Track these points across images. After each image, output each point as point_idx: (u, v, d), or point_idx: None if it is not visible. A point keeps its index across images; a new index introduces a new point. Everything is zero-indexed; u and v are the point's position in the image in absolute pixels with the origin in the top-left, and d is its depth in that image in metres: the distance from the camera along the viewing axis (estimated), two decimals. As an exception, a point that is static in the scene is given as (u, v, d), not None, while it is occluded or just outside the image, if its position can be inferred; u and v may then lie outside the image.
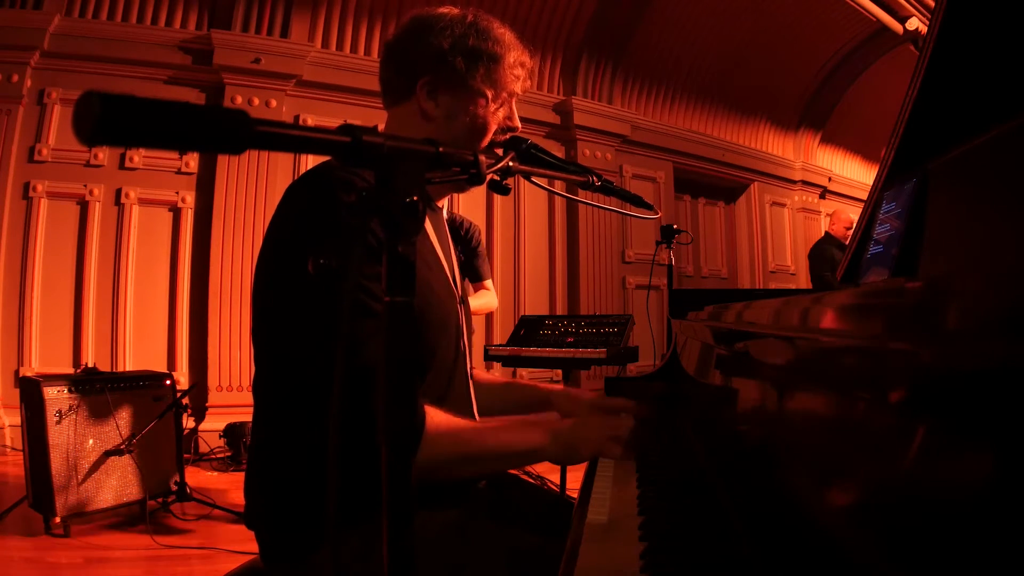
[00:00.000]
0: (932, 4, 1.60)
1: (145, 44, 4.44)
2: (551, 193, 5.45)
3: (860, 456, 0.47)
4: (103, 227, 4.34)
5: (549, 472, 3.25)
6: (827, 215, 6.16)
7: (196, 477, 3.53)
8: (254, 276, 1.03)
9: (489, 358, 3.25)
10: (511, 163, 0.83)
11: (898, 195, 0.94)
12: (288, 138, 0.50)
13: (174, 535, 2.64)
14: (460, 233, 3.13)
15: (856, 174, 9.14)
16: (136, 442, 2.72)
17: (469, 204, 5.23)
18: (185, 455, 3.21)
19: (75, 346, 4.24)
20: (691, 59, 6.64)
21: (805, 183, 8.24)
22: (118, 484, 2.71)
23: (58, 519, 2.54)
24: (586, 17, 5.77)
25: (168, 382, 2.99)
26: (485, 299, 3.18)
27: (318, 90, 4.91)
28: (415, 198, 0.53)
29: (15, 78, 4.15)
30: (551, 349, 2.97)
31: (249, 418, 1.12)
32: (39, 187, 4.22)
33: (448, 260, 1.19)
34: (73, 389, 2.66)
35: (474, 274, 3.17)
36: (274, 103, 4.72)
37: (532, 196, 5.73)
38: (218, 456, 4.07)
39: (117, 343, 4.32)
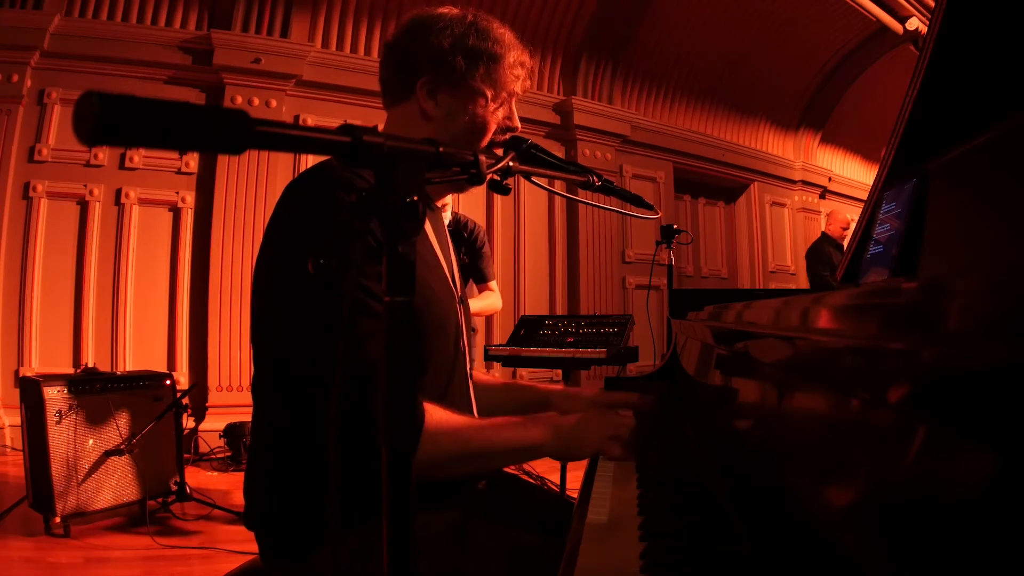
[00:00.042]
0: (932, 4, 1.60)
1: (145, 44, 4.44)
2: (551, 193, 5.45)
3: (860, 456, 0.47)
4: (103, 227, 4.34)
5: (549, 472, 3.25)
6: (826, 215, 6.20)
7: (196, 477, 3.53)
8: (253, 276, 1.03)
9: (489, 358, 3.24)
10: (511, 163, 0.83)
11: (898, 195, 0.94)
12: (288, 138, 0.50)
13: (174, 535, 2.64)
14: (464, 234, 3.12)
15: (856, 174, 9.14)
16: (136, 442, 2.72)
17: (469, 204, 5.23)
18: (185, 455, 3.21)
19: (75, 346, 4.24)
20: (691, 59, 6.64)
21: (805, 183, 8.25)
22: (118, 484, 2.71)
23: (58, 519, 2.54)
24: (586, 17, 5.77)
25: (168, 382, 2.99)
26: (489, 300, 3.17)
27: (318, 90, 4.91)
28: (415, 198, 0.53)
29: (15, 78, 4.15)
30: (551, 349, 2.97)
31: (249, 418, 1.12)
32: (39, 187, 4.22)
33: (447, 260, 1.20)
34: (73, 389, 2.66)
35: (478, 275, 3.17)
36: (274, 103, 4.72)
37: (532, 196, 5.73)
38: (218, 456, 4.07)
39: (117, 343, 4.32)
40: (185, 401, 2.98)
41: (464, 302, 1.24)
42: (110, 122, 0.39)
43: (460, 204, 4.99)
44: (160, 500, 2.83)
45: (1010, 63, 0.81)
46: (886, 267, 0.90)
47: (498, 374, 4.85)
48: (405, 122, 1.12)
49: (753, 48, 6.79)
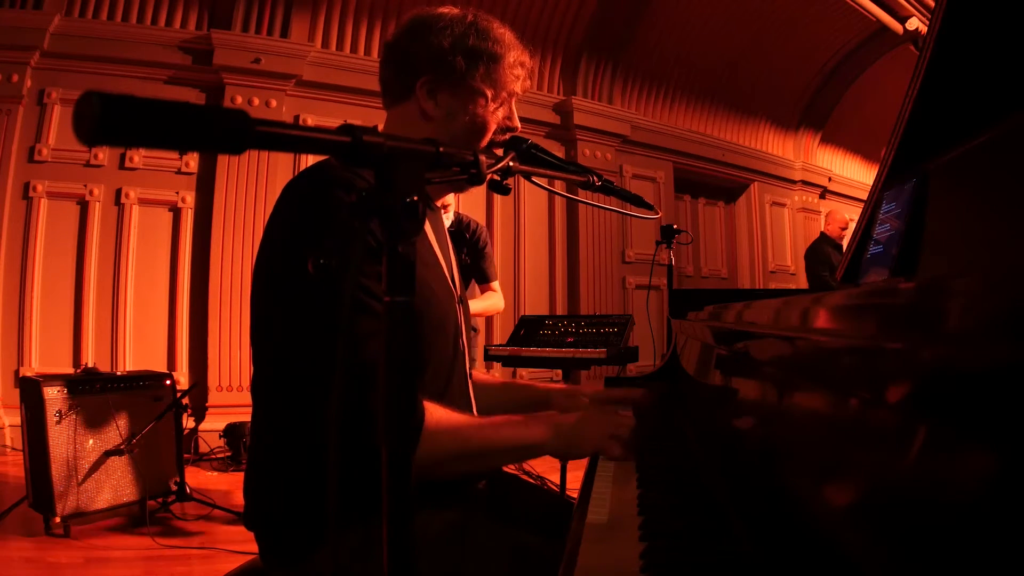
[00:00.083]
0: (932, 4, 1.60)
1: (145, 44, 4.44)
2: (551, 193, 5.45)
3: (859, 456, 0.47)
4: (103, 227, 4.34)
5: (549, 472, 3.25)
6: (825, 215, 6.22)
7: (196, 477, 3.53)
8: (253, 275, 1.03)
9: (489, 358, 3.24)
10: (511, 163, 0.83)
11: (898, 195, 0.94)
12: (288, 138, 0.50)
13: (174, 535, 2.64)
14: (467, 235, 3.12)
15: (856, 174, 9.14)
16: (136, 442, 2.72)
17: (469, 204, 5.23)
18: (185, 455, 3.21)
19: (75, 346, 4.24)
20: (691, 59, 6.64)
21: (805, 183, 8.25)
22: (118, 484, 2.71)
23: (58, 519, 2.54)
24: (586, 17, 5.77)
25: (168, 382, 2.98)
26: (491, 301, 3.17)
27: (318, 90, 4.91)
28: (415, 198, 0.53)
29: (15, 78, 4.15)
30: (551, 349, 2.97)
31: (249, 418, 1.12)
32: (39, 187, 4.22)
33: (447, 259, 1.20)
34: (73, 389, 2.66)
35: (481, 276, 3.16)
36: (274, 103, 4.72)
37: (532, 196, 5.73)
38: (218, 456, 4.07)
39: (117, 343, 4.32)
40: (185, 401, 2.98)
41: (464, 302, 1.24)
42: (110, 122, 0.39)
43: (460, 204, 4.99)
44: (160, 500, 2.83)
45: (1010, 63, 0.81)
46: (886, 267, 0.90)
47: (498, 374, 4.85)
48: (405, 122, 1.13)
49: (753, 48, 6.79)
